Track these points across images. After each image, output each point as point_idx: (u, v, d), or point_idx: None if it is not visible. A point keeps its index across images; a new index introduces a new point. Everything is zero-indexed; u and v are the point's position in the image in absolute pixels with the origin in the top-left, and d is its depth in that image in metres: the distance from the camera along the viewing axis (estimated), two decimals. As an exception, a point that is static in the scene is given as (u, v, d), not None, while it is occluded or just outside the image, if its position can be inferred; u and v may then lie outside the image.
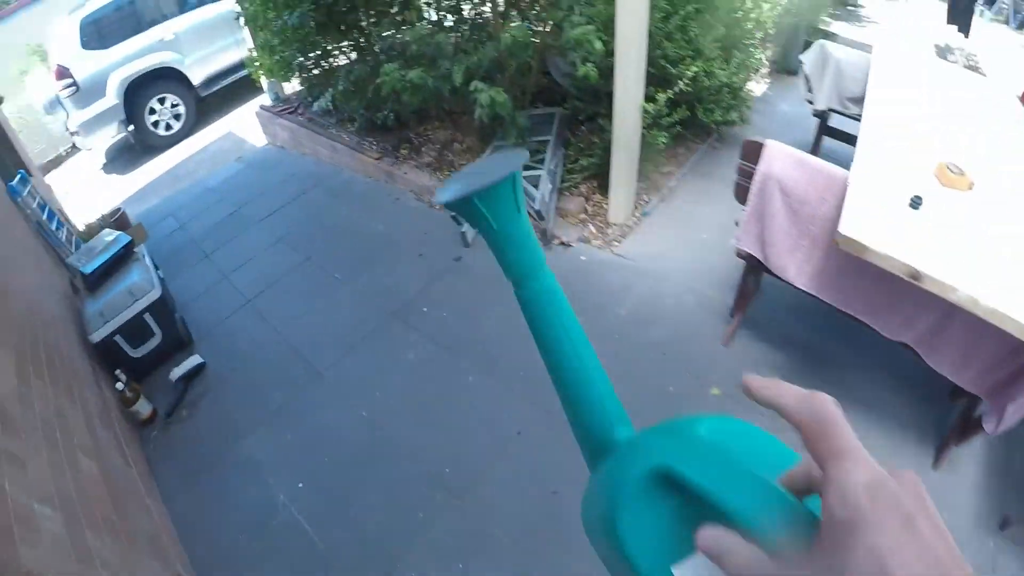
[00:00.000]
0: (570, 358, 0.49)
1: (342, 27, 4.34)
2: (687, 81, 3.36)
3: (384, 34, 4.14)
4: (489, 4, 3.68)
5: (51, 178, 8.11)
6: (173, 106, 7.17)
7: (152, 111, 7.04)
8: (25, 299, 2.78)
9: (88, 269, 3.37)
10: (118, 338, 3.26)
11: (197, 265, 4.37)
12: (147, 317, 3.31)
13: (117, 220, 5.14)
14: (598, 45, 2.94)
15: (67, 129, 7.00)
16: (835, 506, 0.28)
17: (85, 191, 7.19)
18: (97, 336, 3.18)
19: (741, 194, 2.38)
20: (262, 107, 5.87)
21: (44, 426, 2.15)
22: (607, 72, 3.06)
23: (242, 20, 5.02)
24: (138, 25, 6.86)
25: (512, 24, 3.43)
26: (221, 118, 7.44)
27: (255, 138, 6.29)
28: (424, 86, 3.23)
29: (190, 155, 6.77)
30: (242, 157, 5.97)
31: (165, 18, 7.00)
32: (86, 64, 6.63)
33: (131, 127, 6.94)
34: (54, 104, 6.97)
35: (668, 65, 3.43)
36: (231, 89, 7.44)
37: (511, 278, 0.50)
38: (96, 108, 6.71)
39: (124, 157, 7.48)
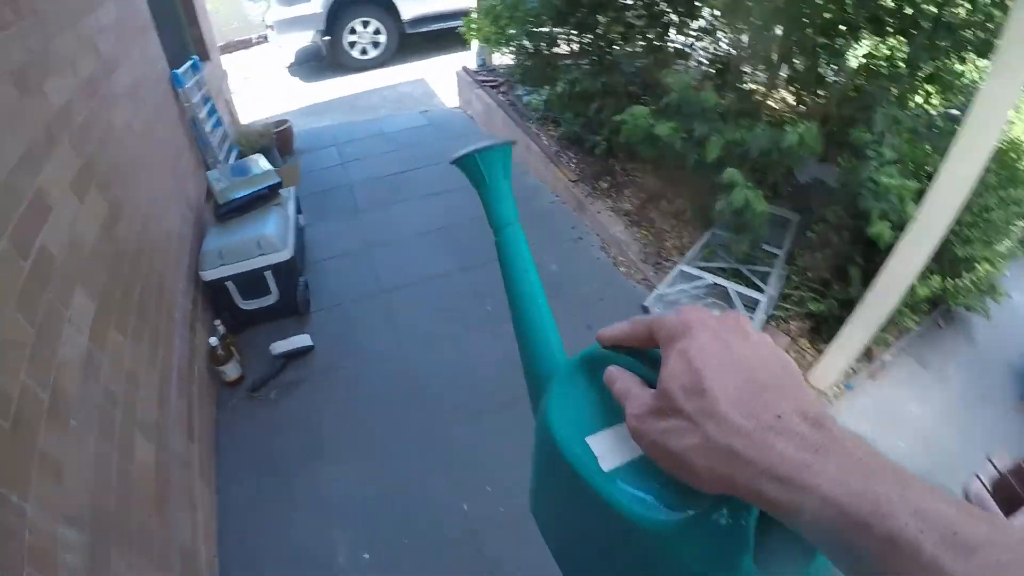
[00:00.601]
0: (525, 295, 0.63)
1: (579, 26, 3.82)
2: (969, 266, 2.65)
3: (628, 49, 3.54)
4: (763, 73, 3.04)
5: (233, 58, 8.18)
6: (375, 32, 6.89)
7: (353, 31, 6.80)
8: (139, 216, 2.43)
9: (222, 201, 3.03)
10: (230, 284, 2.91)
11: (344, 219, 3.97)
12: (268, 275, 2.93)
13: (281, 133, 4.92)
14: (910, 208, 2.27)
15: (263, 21, 6.92)
16: (660, 339, 0.38)
17: (263, 83, 7.14)
18: (208, 276, 2.84)
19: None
20: (464, 68, 5.45)
21: (105, 400, 1.76)
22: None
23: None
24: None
25: (797, 118, 2.76)
26: (419, 61, 7.13)
27: (447, 96, 5.90)
28: (669, 145, 2.66)
29: (376, 88, 6.49)
30: (428, 112, 5.56)
31: None
32: None
33: (327, 38, 6.74)
34: None
35: (956, 245, 2.71)
36: (438, 35, 7.06)
37: (493, 226, 0.69)
38: (298, 10, 6.52)
39: (311, 65, 7.36)
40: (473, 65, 5.48)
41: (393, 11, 6.82)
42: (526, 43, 4.26)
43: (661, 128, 2.63)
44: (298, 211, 3.53)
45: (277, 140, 4.80)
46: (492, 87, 5.00)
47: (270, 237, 2.85)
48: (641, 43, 3.64)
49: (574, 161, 4.01)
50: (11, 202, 1.63)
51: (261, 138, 4.53)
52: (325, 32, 6.67)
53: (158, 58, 3.27)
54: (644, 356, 0.41)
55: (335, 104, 6.14)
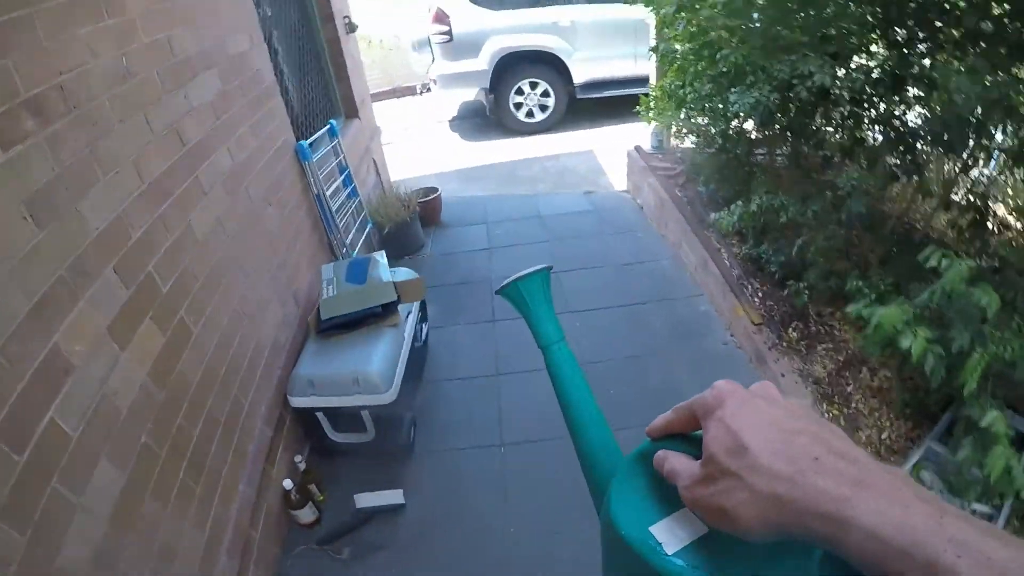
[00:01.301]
0: (577, 404, 0.67)
1: (789, 130, 3.00)
2: None
3: (854, 176, 2.59)
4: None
5: (398, 105, 8.18)
6: (543, 95, 6.46)
7: (520, 91, 6.41)
8: (216, 337, 2.01)
9: (325, 315, 2.55)
10: (320, 415, 2.44)
11: (478, 328, 3.43)
12: (365, 414, 2.41)
13: (428, 203, 4.54)
14: None
15: (427, 74, 6.74)
16: (700, 416, 0.41)
17: (422, 137, 6.96)
18: (297, 403, 2.39)
19: None
20: (637, 149, 4.78)
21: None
22: None
23: (654, 56, 3.98)
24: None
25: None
26: (588, 130, 6.53)
27: (615, 175, 5.24)
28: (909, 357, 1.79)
29: (538, 157, 5.98)
30: (593, 195, 4.94)
31: (567, 1, 6.24)
32: (468, 18, 6.16)
33: (491, 96, 6.39)
34: (423, 45, 6.64)
35: None
36: (611, 103, 6.50)
37: (540, 345, 0.72)
38: (463, 66, 6.25)
39: (473, 122, 7.10)
40: (647, 145, 4.79)
41: (565, 73, 6.35)
42: (716, 136, 3.50)
43: (910, 341, 1.76)
44: (422, 319, 3.01)
45: (422, 211, 4.41)
46: (668, 177, 4.28)
47: (371, 376, 2.31)
48: (868, 164, 2.70)
49: (760, 293, 3.15)
50: (7, 377, 1.19)
51: (403, 210, 4.15)
52: (490, 91, 6.33)
53: (280, 131, 2.91)
54: (690, 439, 0.46)
55: (492, 171, 5.73)
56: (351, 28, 4.24)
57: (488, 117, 6.63)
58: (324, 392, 2.34)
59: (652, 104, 4.10)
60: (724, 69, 3.02)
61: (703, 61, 3.27)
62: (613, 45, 6.26)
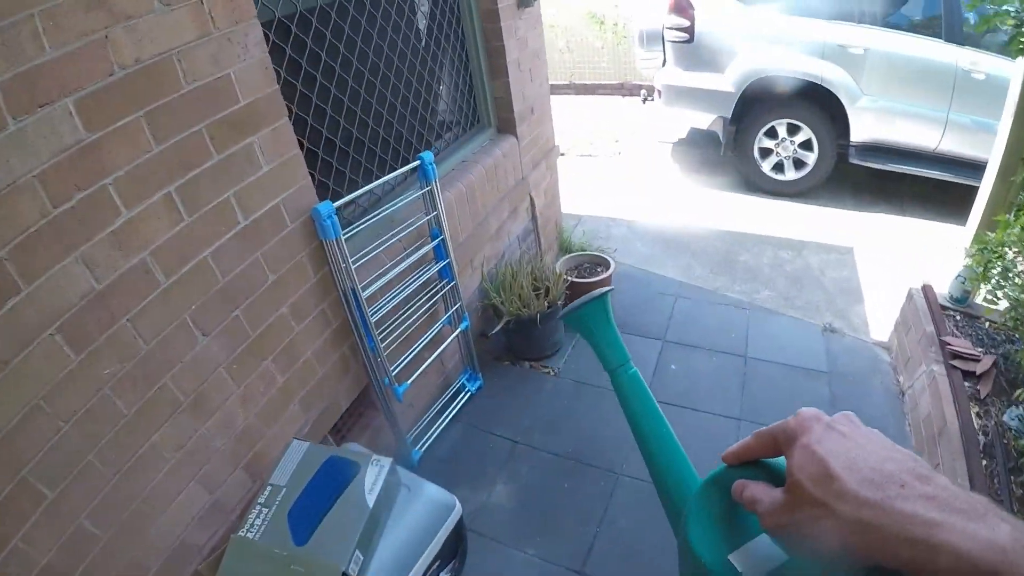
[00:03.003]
0: (650, 427, 0.69)
1: None
2: None
3: None
4: None
5: (618, 106, 6.72)
6: (802, 146, 4.57)
7: (772, 133, 4.63)
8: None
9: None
10: None
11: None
12: None
13: (586, 284, 3.16)
14: None
15: (653, 79, 5.19)
16: (782, 442, 0.43)
17: (631, 156, 5.51)
18: None
19: None
20: (925, 291, 2.85)
21: None
22: None
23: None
24: (830, 8, 4.29)
25: None
26: (853, 212, 4.50)
27: (876, 310, 3.32)
28: None
29: (773, 236, 4.12)
30: (834, 337, 3.05)
31: (861, 19, 4.26)
32: (720, 16, 4.48)
33: (732, 130, 4.67)
34: (653, 39, 5.03)
35: None
36: (897, 182, 4.52)
37: (607, 369, 0.76)
38: (701, 80, 4.58)
39: (704, 154, 5.40)
40: (943, 287, 2.89)
41: (840, 121, 4.41)
42: None
43: None
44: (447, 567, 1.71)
45: (572, 292, 3.05)
46: (965, 373, 2.44)
47: None
48: None
49: None
50: None
51: (538, 299, 2.83)
52: (732, 120, 4.64)
53: (276, 185, 1.67)
54: (765, 466, 0.47)
55: (704, 241, 4.07)
56: (524, 1, 2.88)
57: (720, 156, 4.87)
58: None
59: (976, 261, 2.33)
60: None
61: None
62: (922, 98, 4.18)
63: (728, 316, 3.23)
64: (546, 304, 2.85)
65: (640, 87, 6.86)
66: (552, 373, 2.96)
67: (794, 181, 4.70)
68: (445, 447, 2.58)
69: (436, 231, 2.32)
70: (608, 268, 3.28)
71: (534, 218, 3.38)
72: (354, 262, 1.88)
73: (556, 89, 7.32)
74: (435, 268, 2.35)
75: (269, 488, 1.44)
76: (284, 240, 1.69)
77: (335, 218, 1.77)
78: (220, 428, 1.52)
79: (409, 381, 2.23)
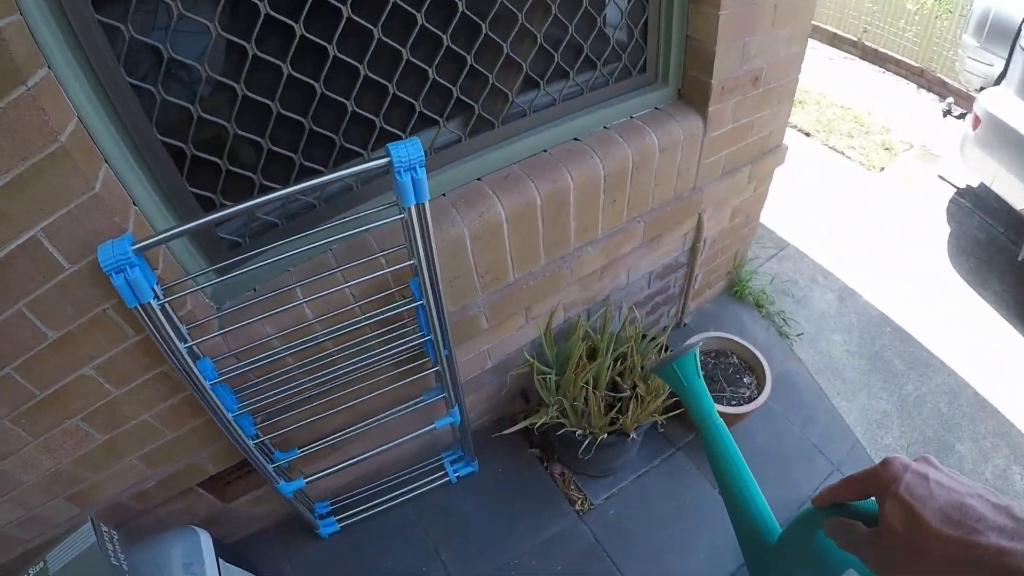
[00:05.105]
0: (733, 475, 0.70)
1: None
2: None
3: None
4: None
5: (910, 98, 4.58)
6: None
7: None
8: None
9: None
10: None
11: None
12: None
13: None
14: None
15: (975, 91, 3.36)
16: (872, 489, 0.47)
17: (897, 185, 3.61)
18: None
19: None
20: None
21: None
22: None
23: None
24: None
25: None
26: None
27: None
28: None
29: None
30: None
31: None
32: None
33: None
34: (998, 33, 3.22)
35: None
36: None
37: (696, 420, 0.78)
38: None
39: (990, 232, 3.37)
40: None
41: None
42: None
43: None
44: None
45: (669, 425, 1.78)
46: None
47: None
48: None
49: None
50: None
51: (603, 417, 1.64)
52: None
53: None
54: (850, 507, 0.51)
55: (926, 378, 2.41)
56: None
57: (1020, 261, 2.87)
58: None
59: None
60: None
61: None
62: None
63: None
64: (617, 425, 1.64)
65: (947, 89, 4.63)
66: (585, 504, 1.84)
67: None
68: (375, 535, 1.76)
69: (415, 285, 1.16)
70: (759, 391, 1.94)
71: (693, 248, 2.04)
72: (222, 327, 1.12)
73: (837, 41, 5.33)
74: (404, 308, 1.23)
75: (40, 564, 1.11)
76: (62, 288, 0.92)
77: (143, 267, 0.90)
78: (20, 468, 1.15)
79: (316, 477, 1.46)
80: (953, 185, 3.49)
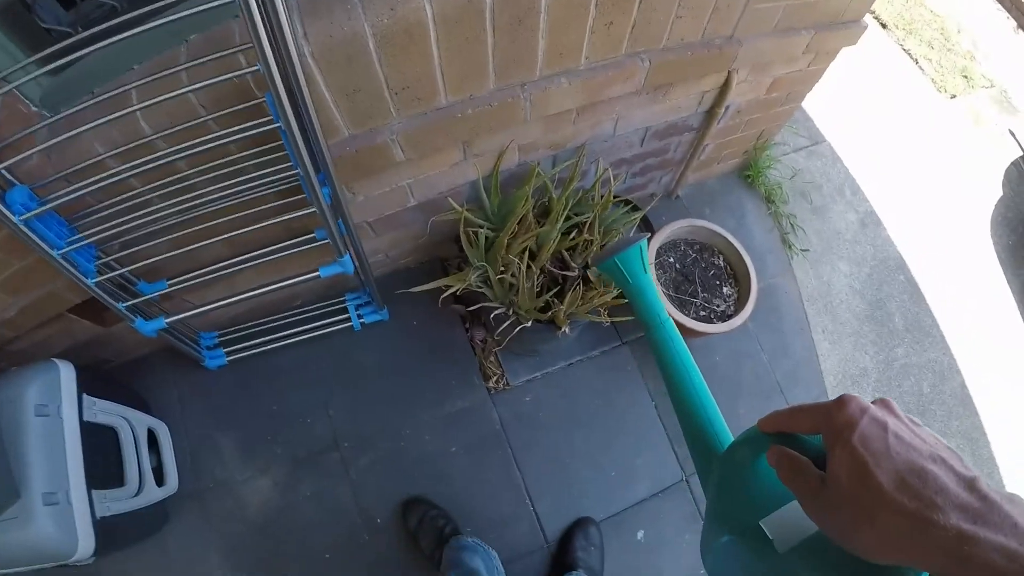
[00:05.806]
0: (684, 382, 0.63)
1: None
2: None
3: None
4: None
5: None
6: None
7: None
8: None
9: None
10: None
11: None
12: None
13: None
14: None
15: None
16: (823, 430, 0.39)
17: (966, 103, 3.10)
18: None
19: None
20: None
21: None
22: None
23: None
24: None
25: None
26: None
27: None
28: None
29: None
30: None
31: None
32: None
33: None
34: None
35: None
36: None
37: (643, 322, 0.68)
38: None
39: None
40: None
41: None
42: None
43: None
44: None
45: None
46: None
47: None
48: None
49: None
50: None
51: (525, 297, 1.34)
52: None
53: None
54: (800, 440, 0.42)
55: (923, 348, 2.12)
56: None
57: None
58: None
59: None
60: None
61: None
62: None
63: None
64: (549, 313, 1.35)
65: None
66: (500, 383, 1.63)
67: None
68: (262, 374, 1.58)
69: (269, 100, 0.84)
70: (736, 309, 1.66)
71: (710, 112, 1.63)
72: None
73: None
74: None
75: None
76: None
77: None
78: None
79: (180, 317, 1.22)
80: (1022, 147, 2.98)
